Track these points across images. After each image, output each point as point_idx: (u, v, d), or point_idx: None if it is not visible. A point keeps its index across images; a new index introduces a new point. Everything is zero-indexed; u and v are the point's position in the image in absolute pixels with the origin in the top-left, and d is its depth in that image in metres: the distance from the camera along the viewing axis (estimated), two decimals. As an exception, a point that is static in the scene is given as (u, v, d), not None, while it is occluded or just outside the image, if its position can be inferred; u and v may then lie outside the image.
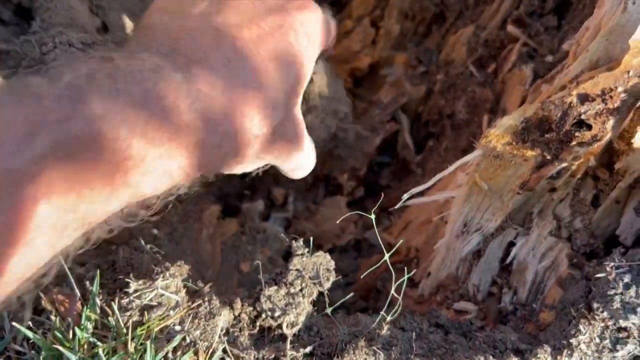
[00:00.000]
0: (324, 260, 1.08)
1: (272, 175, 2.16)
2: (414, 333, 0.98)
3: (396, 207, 1.04)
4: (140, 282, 0.91)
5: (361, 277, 1.35)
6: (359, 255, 1.67)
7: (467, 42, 1.89)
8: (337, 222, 1.85)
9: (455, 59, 2.01)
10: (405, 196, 1.17)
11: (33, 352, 0.90)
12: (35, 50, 1.36)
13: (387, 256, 1.06)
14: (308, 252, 0.99)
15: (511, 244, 1.18)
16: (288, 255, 1.76)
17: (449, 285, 1.35)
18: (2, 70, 1.35)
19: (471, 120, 1.86)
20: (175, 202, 1.58)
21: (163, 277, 0.91)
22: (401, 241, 1.12)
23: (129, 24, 1.99)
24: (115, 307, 0.90)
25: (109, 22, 1.93)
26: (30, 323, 0.91)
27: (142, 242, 0.99)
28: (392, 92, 2.14)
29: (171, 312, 0.91)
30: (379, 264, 1.10)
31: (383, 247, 0.96)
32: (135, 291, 0.91)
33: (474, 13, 1.89)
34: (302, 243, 1.00)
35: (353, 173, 2.04)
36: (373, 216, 1.11)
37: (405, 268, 1.00)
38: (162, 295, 0.92)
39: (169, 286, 0.92)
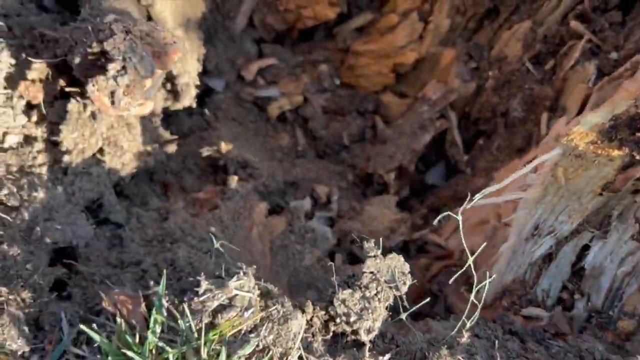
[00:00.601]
0: (399, 263, 1.03)
1: (314, 171, 2.12)
2: (491, 341, 0.92)
3: (468, 206, 0.97)
4: (211, 281, 0.86)
5: (416, 281, 1.28)
6: (406, 257, 1.62)
7: (523, 37, 1.82)
8: (388, 221, 1.80)
9: (508, 55, 1.95)
10: (477, 196, 1.12)
11: (98, 356, 0.85)
12: (91, 37, 1.33)
13: (470, 260, 1.01)
14: (381, 254, 0.94)
15: (585, 248, 1.12)
16: (332, 255, 1.72)
17: (515, 290, 1.31)
18: (50, 58, 1.35)
19: (527, 118, 1.80)
20: (224, 199, 1.54)
21: (237, 276, 0.87)
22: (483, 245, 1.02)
23: (172, 17, 1.96)
24: (186, 309, 0.85)
25: (154, 13, 1.90)
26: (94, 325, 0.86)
27: (213, 238, 0.94)
28: (440, 89, 2.07)
29: (245, 314, 0.86)
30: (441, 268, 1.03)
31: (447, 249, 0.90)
32: (206, 291, 0.86)
33: (531, 8, 1.82)
34: (373, 244, 0.95)
35: (399, 171, 1.98)
36: (460, 217, 1.05)
37: (473, 272, 0.94)
38: (235, 295, 0.87)
39: (243, 286, 0.87)
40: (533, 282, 1.22)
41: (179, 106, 1.81)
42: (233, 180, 1.71)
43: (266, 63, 2.27)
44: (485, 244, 1.17)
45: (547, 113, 1.67)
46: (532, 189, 1.22)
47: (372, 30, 2.20)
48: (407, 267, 1.03)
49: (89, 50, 1.25)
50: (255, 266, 0.99)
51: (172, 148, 1.80)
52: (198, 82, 1.87)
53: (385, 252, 1.67)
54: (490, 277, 1.45)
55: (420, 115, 2.00)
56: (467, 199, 1.06)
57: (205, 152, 1.85)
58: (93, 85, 1.13)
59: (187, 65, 1.86)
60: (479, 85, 2.02)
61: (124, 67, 1.26)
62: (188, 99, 1.79)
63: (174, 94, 1.80)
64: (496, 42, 2.01)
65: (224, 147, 1.87)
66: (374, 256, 1.01)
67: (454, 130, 1.99)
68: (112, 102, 1.21)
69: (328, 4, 2.28)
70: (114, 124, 1.40)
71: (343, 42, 2.26)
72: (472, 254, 1.64)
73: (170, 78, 1.82)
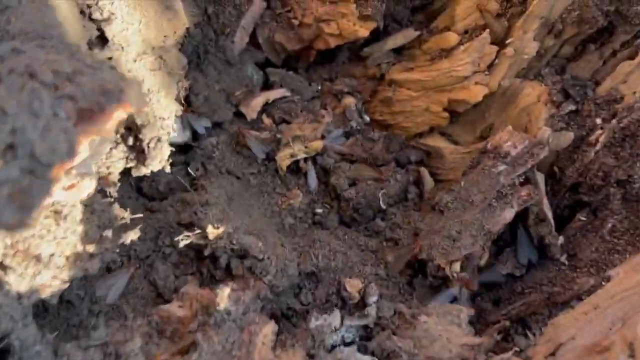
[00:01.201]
0: None
1: (341, 252, 1.52)
2: None
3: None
4: None
5: None
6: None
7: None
8: (457, 345, 1.21)
9: (626, 94, 1.34)
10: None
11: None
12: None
13: None
14: None
15: None
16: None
17: None
18: None
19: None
20: (207, 333, 0.96)
21: None
22: None
23: (139, 37, 1.36)
24: None
25: (111, 33, 1.30)
26: None
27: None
28: (522, 140, 1.47)
29: None
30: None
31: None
32: None
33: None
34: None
35: (468, 261, 1.38)
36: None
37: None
38: None
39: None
40: None
41: (144, 171, 1.22)
42: (223, 298, 1.10)
43: (274, 95, 1.83)
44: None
45: None
46: None
47: (416, 52, 1.80)
48: None
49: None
50: None
51: (133, 234, 1.20)
52: (175, 133, 1.27)
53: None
54: None
55: (496, 177, 1.41)
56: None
57: (184, 239, 1.26)
58: None
59: (159, 110, 1.27)
60: (579, 136, 1.42)
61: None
62: (158, 162, 1.21)
63: (137, 153, 1.22)
64: (605, 75, 1.41)
65: (212, 231, 1.27)
66: None
67: (543, 199, 1.39)
68: None
69: (359, 17, 1.70)
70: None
71: (376, 68, 1.87)
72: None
73: (132, 129, 1.22)
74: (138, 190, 1.67)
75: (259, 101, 1.79)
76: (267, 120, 1.81)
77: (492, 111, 1.69)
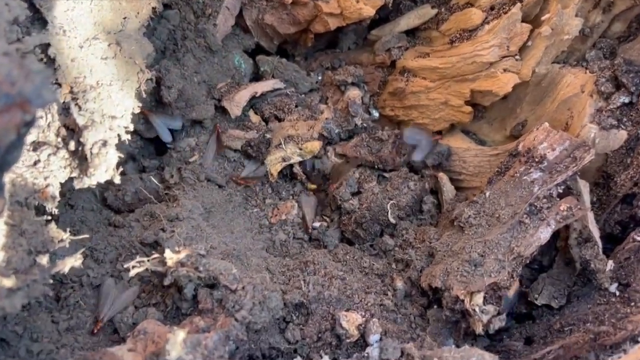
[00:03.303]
0: None
1: (339, 277, 1.36)
2: None
3: None
4: None
5: None
6: None
7: None
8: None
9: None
10: None
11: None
12: None
13: None
14: None
15: None
16: None
17: None
18: None
19: None
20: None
21: None
22: None
23: (91, 18, 1.20)
24: None
25: (52, 14, 1.15)
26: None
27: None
28: (561, 141, 1.27)
29: None
30: None
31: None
32: None
33: None
34: None
35: (493, 291, 1.19)
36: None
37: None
38: None
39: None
40: None
41: (87, 183, 1.07)
42: (175, 344, 0.93)
43: (264, 88, 1.68)
44: None
45: None
46: None
47: (433, 35, 1.67)
48: None
49: None
50: None
51: (73, 261, 1.04)
52: (128, 136, 1.11)
53: None
54: None
55: (528, 187, 1.24)
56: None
57: (136, 266, 1.10)
58: None
59: (109, 107, 1.11)
60: (634, 135, 1.23)
61: None
62: (103, 171, 1.06)
63: (80, 160, 1.06)
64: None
65: (171, 257, 1.11)
66: None
67: (587, 215, 1.20)
68: None
69: (363, -7, 1.54)
70: None
71: (386, 54, 1.73)
72: None
73: (72, 128, 1.06)
74: (102, 200, 1.54)
75: (245, 94, 1.64)
76: (254, 117, 1.67)
77: (524, 105, 1.51)
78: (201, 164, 1.59)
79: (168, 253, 1.15)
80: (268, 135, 1.63)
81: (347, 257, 1.53)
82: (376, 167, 1.64)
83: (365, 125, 1.67)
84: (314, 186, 1.67)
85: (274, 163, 1.63)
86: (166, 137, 1.58)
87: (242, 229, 1.56)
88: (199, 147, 1.61)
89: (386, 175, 1.62)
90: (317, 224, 1.61)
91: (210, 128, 1.65)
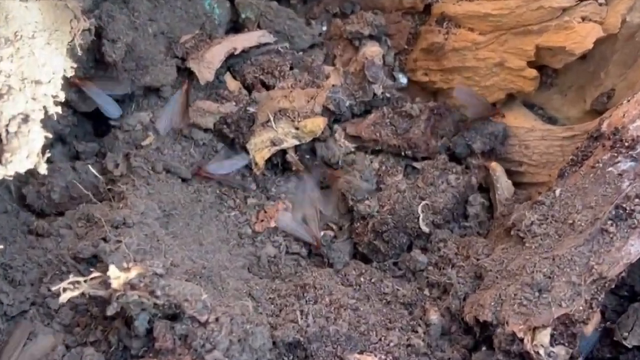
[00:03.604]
0: None
1: (350, 307, 1.43)
2: None
3: None
4: None
5: None
6: None
7: None
8: None
9: None
10: None
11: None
12: None
13: None
14: None
15: None
16: None
17: None
18: None
19: None
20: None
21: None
22: None
23: None
24: None
25: None
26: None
27: None
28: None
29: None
30: None
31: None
32: None
33: None
34: None
35: (564, 327, 1.27)
36: None
37: None
38: None
39: None
40: None
41: (2, 174, 1.14)
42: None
43: (245, 43, 1.76)
44: None
45: None
46: None
47: None
48: None
49: None
50: None
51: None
52: (57, 109, 1.18)
53: None
54: None
55: (615, 182, 1.35)
56: None
57: (67, 289, 1.16)
58: None
59: (32, 68, 1.19)
60: None
61: None
62: (24, 157, 1.13)
63: (-8, 141, 1.13)
64: None
65: (116, 276, 1.16)
66: None
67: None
68: None
69: None
70: None
71: None
72: None
73: (-18, 100, 1.12)
74: (20, 199, 1.60)
75: (219, 52, 1.71)
76: (233, 84, 1.74)
77: (611, 68, 1.58)
78: (158, 148, 1.64)
79: (113, 271, 1.19)
80: (251, 109, 1.68)
81: (362, 279, 1.59)
82: (403, 153, 1.70)
83: (388, 95, 1.73)
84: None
85: (260, 148, 1.68)
86: (111, 111, 1.62)
87: (215, 240, 1.62)
88: (155, 125, 1.66)
89: (417, 165, 1.69)
90: (320, 234, 1.67)
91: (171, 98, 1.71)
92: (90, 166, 1.59)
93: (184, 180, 1.66)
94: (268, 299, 1.48)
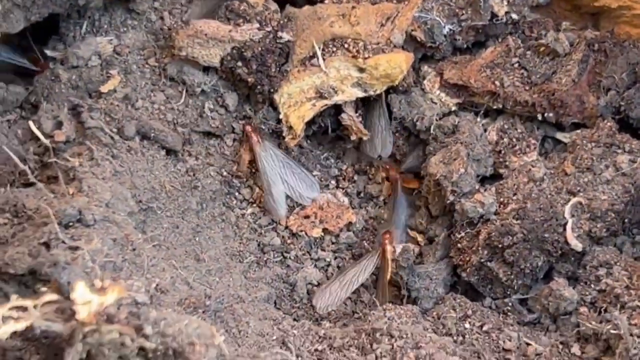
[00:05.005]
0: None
1: None
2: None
3: None
4: None
5: None
6: None
7: None
8: None
9: None
10: None
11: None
12: None
13: None
14: None
15: None
16: None
17: None
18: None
19: None
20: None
21: None
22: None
23: None
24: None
25: None
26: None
27: None
28: None
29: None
30: None
31: None
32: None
33: None
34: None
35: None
36: None
37: None
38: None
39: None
40: None
41: None
42: None
43: None
44: None
45: None
46: None
47: None
48: None
49: None
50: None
51: None
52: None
53: None
54: None
55: None
56: None
57: (6, 321, 1.17)
58: None
59: None
60: None
61: None
62: None
63: None
64: None
65: (82, 300, 1.17)
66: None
67: None
68: None
69: None
70: None
71: None
72: None
73: None
74: None
75: None
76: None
77: None
78: (127, 97, 1.63)
79: (80, 292, 1.19)
80: (285, 36, 1.68)
81: (467, 325, 1.65)
82: (540, 117, 1.75)
83: (515, 17, 1.77)
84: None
85: (298, 102, 1.71)
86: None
87: (221, 253, 1.63)
88: (122, 56, 1.67)
89: (563, 137, 1.67)
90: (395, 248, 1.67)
91: (148, 15, 1.69)
92: (14, 127, 1.59)
93: (169, 152, 1.62)
94: (313, 352, 1.49)
